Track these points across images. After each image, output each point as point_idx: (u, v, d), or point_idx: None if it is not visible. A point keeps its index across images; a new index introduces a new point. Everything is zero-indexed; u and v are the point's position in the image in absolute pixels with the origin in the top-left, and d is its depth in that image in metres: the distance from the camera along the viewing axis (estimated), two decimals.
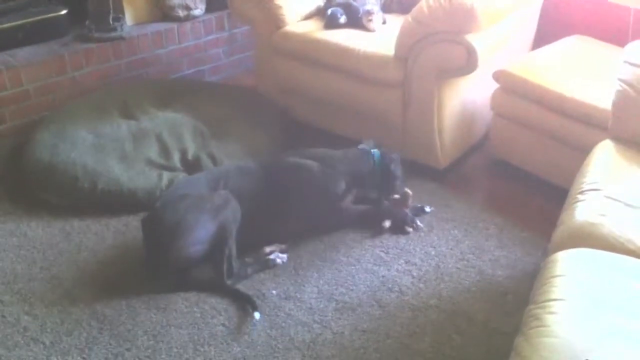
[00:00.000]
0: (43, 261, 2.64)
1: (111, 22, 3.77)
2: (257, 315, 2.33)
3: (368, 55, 3.08)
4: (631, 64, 2.47)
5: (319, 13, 3.47)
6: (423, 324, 2.31)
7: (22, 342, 2.27)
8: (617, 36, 3.18)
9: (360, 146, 2.86)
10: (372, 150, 2.81)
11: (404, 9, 3.37)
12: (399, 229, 2.75)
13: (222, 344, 2.25)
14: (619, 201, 2.08)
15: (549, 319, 1.62)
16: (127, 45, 3.79)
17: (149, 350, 2.23)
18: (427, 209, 2.88)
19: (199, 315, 2.36)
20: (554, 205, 2.34)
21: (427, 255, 2.64)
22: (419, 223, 2.77)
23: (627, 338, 1.56)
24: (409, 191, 2.83)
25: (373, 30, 3.27)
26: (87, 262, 2.63)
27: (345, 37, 3.20)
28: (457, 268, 2.57)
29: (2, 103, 3.44)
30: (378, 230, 2.74)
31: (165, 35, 3.92)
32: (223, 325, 2.32)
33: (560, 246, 1.96)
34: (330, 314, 2.36)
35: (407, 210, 2.81)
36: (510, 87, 2.96)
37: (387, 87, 3.06)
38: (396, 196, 2.83)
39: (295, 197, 2.67)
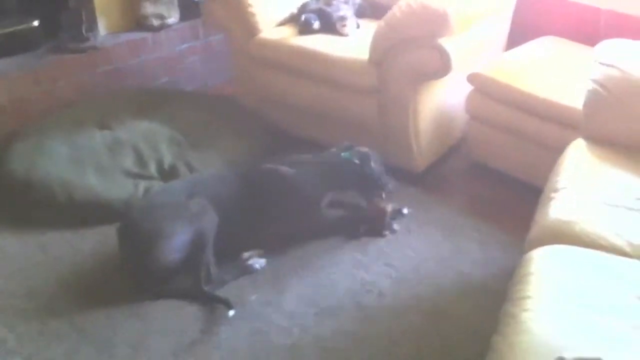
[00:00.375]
0: (20, 274, 2.62)
1: (84, 32, 3.75)
2: (231, 312, 2.33)
3: (343, 60, 3.09)
4: (602, 64, 2.50)
5: (293, 19, 3.47)
6: (403, 327, 2.32)
7: (0, 355, 2.25)
8: (589, 37, 3.22)
9: (332, 150, 2.86)
10: (341, 154, 2.81)
11: (377, 14, 3.37)
12: (375, 232, 2.76)
13: (202, 351, 2.24)
14: (591, 199, 2.10)
15: (524, 316, 1.64)
16: (101, 55, 3.76)
17: (128, 357, 2.21)
18: (405, 210, 2.89)
19: (178, 322, 2.35)
20: (531, 205, 2.36)
21: (405, 257, 2.65)
22: (395, 227, 2.78)
23: (601, 334, 1.58)
24: (389, 207, 2.82)
25: (347, 35, 3.28)
26: (65, 274, 2.61)
27: (319, 43, 3.21)
28: (436, 269, 2.59)
29: None
30: (354, 234, 2.75)
31: (139, 45, 3.90)
32: (203, 332, 2.31)
33: (535, 244, 1.98)
34: (310, 318, 2.36)
35: (387, 217, 2.80)
36: (484, 89, 2.99)
37: (363, 92, 3.07)
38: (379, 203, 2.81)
39: (272, 203, 2.67)
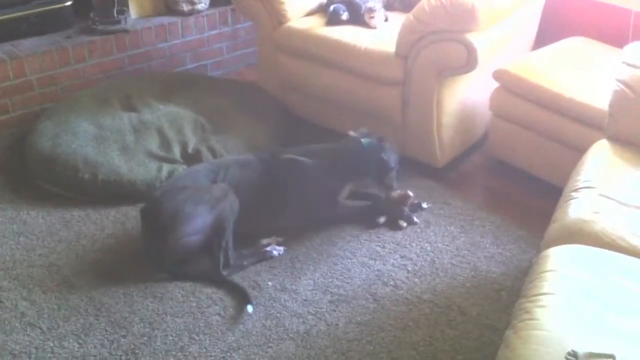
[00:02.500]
0: (42, 248, 2.67)
1: (115, 15, 3.79)
2: (250, 308, 2.35)
3: (369, 52, 3.10)
4: (629, 65, 2.48)
5: (322, 9, 3.48)
6: (417, 318, 2.33)
7: (20, 327, 2.30)
8: (618, 38, 3.20)
9: (351, 133, 2.86)
10: (361, 140, 2.80)
11: (405, 7, 3.38)
12: (394, 224, 2.77)
13: (217, 333, 2.27)
14: (613, 199, 2.10)
15: (539, 312, 1.64)
16: (130, 38, 3.81)
17: (145, 338, 2.25)
18: (425, 205, 2.90)
19: (194, 304, 2.39)
20: (550, 204, 2.36)
21: (422, 250, 2.66)
22: (415, 219, 2.79)
23: (615, 333, 1.58)
24: (410, 193, 2.83)
25: (375, 28, 3.29)
26: (86, 251, 2.66)
27: (346, 34, 3.21)
28: (452, 264, 2.59)
29: (6, 93, 3.47)
30: (372, 225, 2.77)
31: (168, 29, 3.94)
32: (218, 314, 2.34)
33: (553, 242, 1.98)
34: (325, 306, 2.38)
35: (405, 208, 2.82)
36: (509, 86, 2.97)
37: (387, 85, 3.08)
38: (396, 192, 2.82)
39: (291, 192, 2.70)
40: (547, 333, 1.57)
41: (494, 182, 3.16)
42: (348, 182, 2.80)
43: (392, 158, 2.78)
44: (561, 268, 1.79)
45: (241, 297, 2.40)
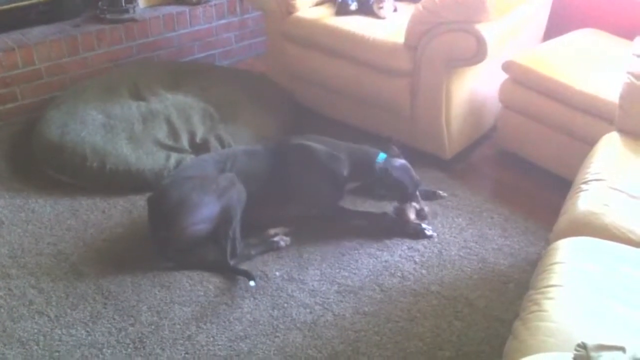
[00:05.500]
0: (50, 237, 2.68)
1: (124, 4, 3.79)
2: (252, 283, 2.37)
3: (378, 43, 3.08)
4: (639, 57, 2.46)
5: (331, 0, 3.47)
6: (423, 309, 2.33)
7: (27, 314, 2.31)
8: (628, 30, 3.17)
9: (367, 147, 2.80)
10: (379, 152, 2.74)
11: None
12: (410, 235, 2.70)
13: (224, 322, 2.28)
14: (623, 192, 2.09)
15: (547, 304, 1.63)
16: (139, 27, 3.81)
17: (152, 326, 2.26)
18: (442, 193, 2.90)
19: (202, 293, 2.39)
20: (559, 196, 2.35)
21: (430, 242, 2.66)
22: (429, 232, 2.68)
23: (624, 325, 1.57)
24: (416, 206, 2.72)
25: (384, 18, 3.28)
26: (94, 239, 2.67)
27: (355, 24, 3.20)
28: (460, 255, 2.59)
29: (14, 81, 3.48)
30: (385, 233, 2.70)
31: (176, 19, 3.94)
32: (226, 304, 2.35)
33: (562, 234, 1.97)
34: (332, 297, 2.38)
35: (412, 222, 2.70)
36: (519, 78, 2.96)
37: (396, 76, 3.06)
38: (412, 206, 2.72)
39: (298, 178, 2.68)
40: (556, 325, 1.57)
41: (502, 174, 3.15)
42: (353, 180, 2.76)
43: (405, 178, 2.67)
44: (570, 260, 1.79)
45: (245, 276, 2.41)
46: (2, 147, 3.30)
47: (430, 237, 2.67)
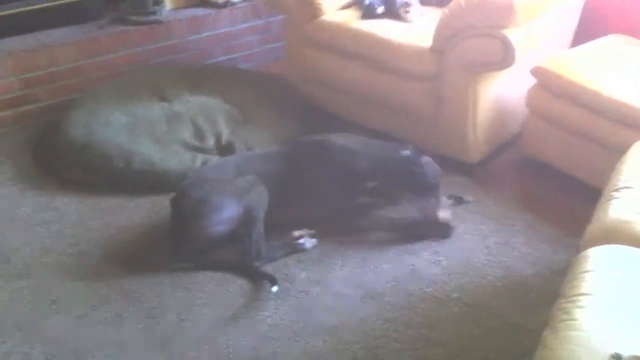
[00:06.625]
0: (73, 237, 2.68)
1: (151, 6, 3.79)
2: (274, 288, 2.36)
3: (403, 47, 3.07)
4: None
5: (357, 3, 3.46)
6: (445, 316, 2.30)
7: (51, 313, 2.32)
8: None
9: (392, 144, 2.77)
10: (402, 150, 2.71)
11: (441, 2, 3.35)
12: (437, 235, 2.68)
13: (247, 324, 2.26)
14: None
15: (578, 313, 1.60)
16: (162, 29, 3.81)
17: (177, 327, 2.25)
18: (469, 198, 2.87)
19: (225, 295, 2.38)
20: (585, 204, 2.32)
21: (454, 247, 2.62)
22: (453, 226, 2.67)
23: None
24: (444, 200, 2.70)
25: (410, 22, 3.26)
26: (117, 240, 2.67)
27: (381, 28, 3.19)
28: (483, 263, 2.55)
29: (37, 82, 3.49)
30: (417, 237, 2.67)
31: (201, 21, 3.94)
32: (249, 306, 2.34)
33: (592, 242, 1.93)
34: (356, 301, 2.36)
35: (440, 219, 2.67)
36: (547, 83, 2.92)
37: (421, 80, 3.05)
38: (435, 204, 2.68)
39: (315, 174, 2.65)
40: (587, 334, 1.53)
41: (527, 181, 3.11)
42: (374, 178, 2.72)
43: (429, 172, 2.64)
44: (601, 268, 1.75)
45: (268, 280, 2.40)
46: (25, 147, 3.31)
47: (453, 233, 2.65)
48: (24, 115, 3.50)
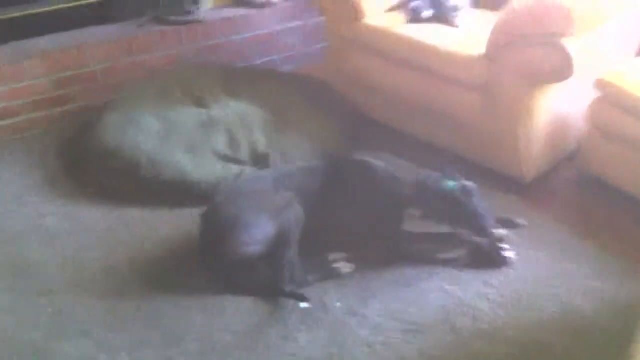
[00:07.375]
0: (97, 251, 2.56)
1: (187, 6, 3.69)
2: (303, 305, 2.24)
3: (451, 53, 2.92)
4: None
5: (403, 6, 3.29)
6: (497, 355, 2.09)
7: (71, 334, 2.19)
8: None
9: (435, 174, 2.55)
10: (445, 183, 2.48)
11: (493, 6, 3.18)
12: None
13: (277, 355, 2.10)
14: None
15: None
16: (201, 29, 3.71)
17: (200, 355, 2.10)
18: (521, 221, 2.64)
19: (254, 322, 2.22)
20: None
21: (506, 276, 2.41)
22: (510, 254, 2.47)
23: None
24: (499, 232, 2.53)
25: (458, 27, 3.11)
26: (143, 255, 2.53)
27: (428, 33, 3.05)
28: (539, 295, 2.33)
29: (72, 82, 3.41)
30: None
31: (241, 22, 3.83)
32: (279, 335, 2.17)
33: None
34: (396, 336, 2.16)
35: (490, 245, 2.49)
36: (611, 97, 2.70)
37: (469, 89, 2.89)
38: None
39: (356, 196, 2.51)
40: None
41: (587, 202, 2.86)
42: (416, 205, 2.52)
43: (480, 209, 2.42)
44: None
45: (299, 299, 2.27)
46: (56, 151, 3.22)
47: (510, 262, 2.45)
48: (57, 117, 3.43)
